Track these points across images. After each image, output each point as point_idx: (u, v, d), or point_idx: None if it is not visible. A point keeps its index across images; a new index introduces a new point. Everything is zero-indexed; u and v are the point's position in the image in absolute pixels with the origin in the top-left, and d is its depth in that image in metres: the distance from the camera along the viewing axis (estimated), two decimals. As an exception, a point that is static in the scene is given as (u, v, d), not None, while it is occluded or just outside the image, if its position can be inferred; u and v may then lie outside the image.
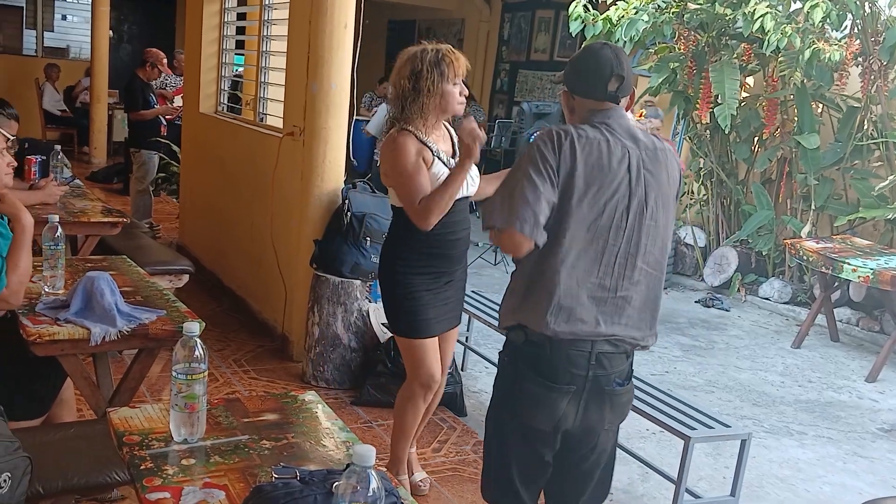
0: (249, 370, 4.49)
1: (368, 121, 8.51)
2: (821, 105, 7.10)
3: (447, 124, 3.03)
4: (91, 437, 2.45)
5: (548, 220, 2.05)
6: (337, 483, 1.43)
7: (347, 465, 1.40)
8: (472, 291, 4.73)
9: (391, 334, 4.20)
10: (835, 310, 6.41)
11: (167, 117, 7.48)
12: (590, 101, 2.17)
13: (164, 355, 3.65)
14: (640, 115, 6.35)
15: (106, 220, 4.40)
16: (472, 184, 2.95)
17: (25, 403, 2.64)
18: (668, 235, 2.20)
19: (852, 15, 6.34)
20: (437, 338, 3.03)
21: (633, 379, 2.27)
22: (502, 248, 2.12)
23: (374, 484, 1.34)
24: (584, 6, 6.94)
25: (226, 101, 6.51)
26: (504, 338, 2.29)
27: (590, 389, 2.14)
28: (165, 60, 7.42)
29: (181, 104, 7.34)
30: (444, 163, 2.87)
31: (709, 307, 6.95)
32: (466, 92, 2.96)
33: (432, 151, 2.85)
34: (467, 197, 2.97)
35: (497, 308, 4.48)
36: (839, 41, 6.49)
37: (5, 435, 1.94)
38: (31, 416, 2.69)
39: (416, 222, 2.81)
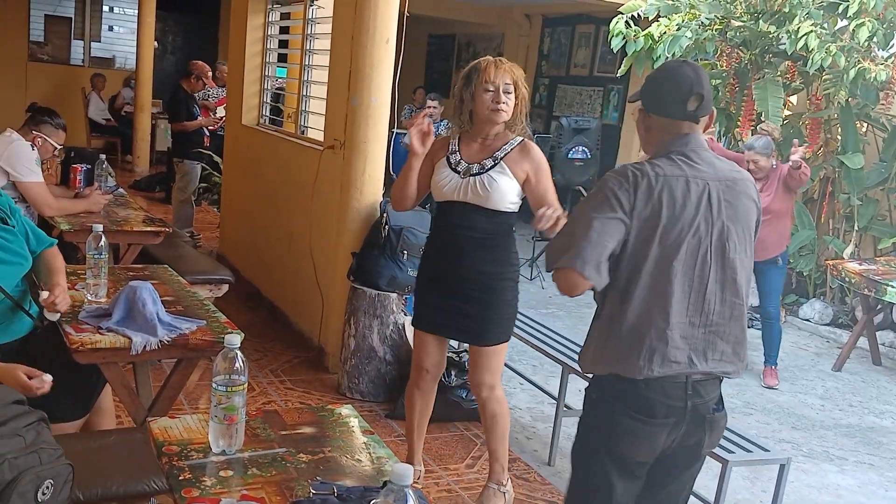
0: (286, 380, 4.52)
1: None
2: (865, 124, 6.99)
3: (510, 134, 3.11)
4: (130, 446, 2.49)
5: (623, 263, 2.02)
6: (374, 501, 1.43)
7: (384, 483, 1.41)
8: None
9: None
10: (877, 333, 6.29)
11: (210, 128, 7.60)
12: (667, 120, 2.12)
13: (202, 364, 3.70)
14: (710, 138, 6.10)
15: (148, 229, 4.47)
16: (479, 191, 3.02)
17: (67, 405, 2.68)
18: (751, 266, 2.15)
19: (899, 34, 6.24)
20: (430, 334, 3.23)
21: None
22: (559, 287, 2.06)
23: (411, 503, 1.34)
24: (626, 22, 6.91)
25: (268, 114, 6.58)
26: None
27: (690, 419, 2.09)
28: (210, 73, 7.54)
29: (224, 115, 7.44)
30: (452, 167, 3.09)
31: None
32: (502, 99, 2.98)
33: (448, 157, 3.11)
34: (469, 204, 3.04)
35: (530, 321, 4.50)
36: (885, 60, 6.39)
37: (49, 442, 1.97)
38: (72, 418, 2.73)
39: None
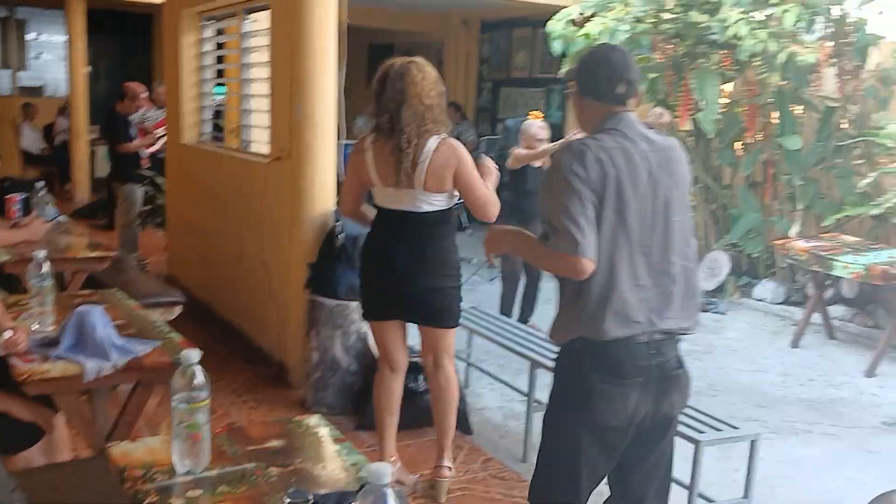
0: (248, 399, 4.42)
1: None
2: (800, 107, 7.15)
3: None
4: (89, 475, 2.39)
5: None
6: (352, 503, 1.39)
7: (362, 486, 1.36)
8: (471, 307, 4.70)
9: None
10: (829, 307, 6.41)
11: (150, 150, 7.44)
12: (600, 103, 2.24)
13: (161, 389, 3.59)
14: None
15: (93, 255, 4.35)
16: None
17: (18, 432, 2.57)
18: (690, 228, 2.29)
19: (823, 18, 6.42)
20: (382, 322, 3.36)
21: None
22: (568, 274, 2.13)
23: (391, 502, 1.30)
24: (566, 23, 6.96)
25: (209, 131, 6.47)
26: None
27: (657, 378, 2.19)
28: (144, 94, 7.38)
29: (164, 136, 7.30)
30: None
31: (704, 311, 6.93)
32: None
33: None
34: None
35: (494, 320, 4.48)
36: (812, 44, 6.55)
37: (1, 475, 1.88)
38: (24, 447, 2.62)
39: None
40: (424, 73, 3.09)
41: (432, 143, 3.08)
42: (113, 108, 7.33)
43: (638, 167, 2.15)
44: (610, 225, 2.12)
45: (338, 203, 3.52)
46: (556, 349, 2.31)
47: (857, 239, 6.41)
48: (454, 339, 3.42)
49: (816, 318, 6.31)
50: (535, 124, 5.62)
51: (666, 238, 2.19)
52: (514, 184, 5.60)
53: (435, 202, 3.14)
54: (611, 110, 2.22)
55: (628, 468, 2.30)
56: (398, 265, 3.18)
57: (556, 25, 6.95)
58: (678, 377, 2.26)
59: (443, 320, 3.29)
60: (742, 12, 6.22)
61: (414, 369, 4.05)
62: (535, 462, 2.39)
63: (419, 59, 3.14)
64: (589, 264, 2.09)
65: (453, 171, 3.09)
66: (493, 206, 3.19)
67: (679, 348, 2.29)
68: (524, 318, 5.72)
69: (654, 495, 2.35)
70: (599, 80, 2.23)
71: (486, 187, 3.19)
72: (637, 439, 2.24)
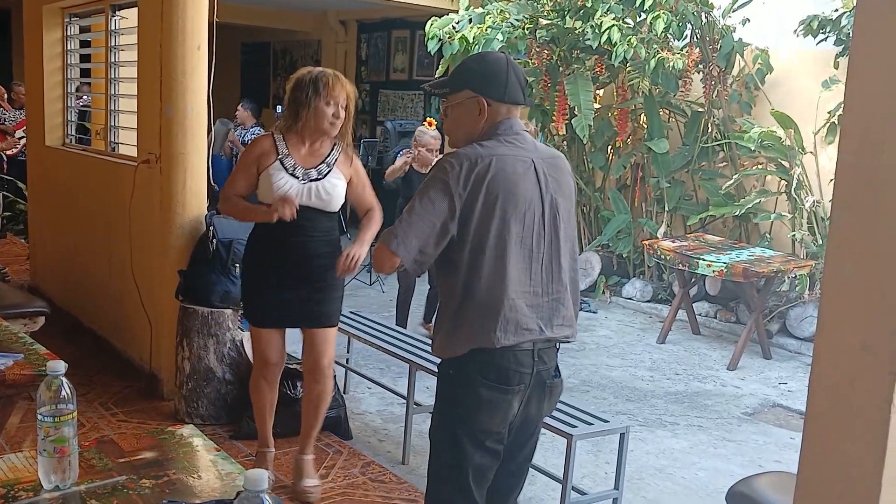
0: (118, 412, 4.25)
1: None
2: (668, 112, 7.49)
3: (338, 142, 3.30)
4: (-55, 497, 2.25)
5: (466, 243, 2.12)
6: (229, 513, 1.37)
7: (238, 493, 1.34)
8: (351, 312, 4.68)
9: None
10: (694, 304, 6.74)
11: (8, 153, 7.05)
12: (499, 104, 2.22)
13: (23, 405, 3.41)
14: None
15: (-53, 264, 4.09)
16: (322, 196, 3.20)
17: None
18: (575, 236, 2.34)
19: (691, 25, 6.74)
20: (274, 329, 3.35)
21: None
22: (374, 260, 2.19)
23: (268, 509, 1.29)
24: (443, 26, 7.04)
25: (73, 133, 6.19)
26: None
27: (533, 384, 2.22)
28: (4, 95, 6.99)
29: (24, 137, 6.93)
30: (288, 172, 3.16)
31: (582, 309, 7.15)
32: (341, 116, 3.18)
33: (281, 161, 3.17)
34: (311, 208, 3.19)
35: (373, 324, 4.48)
36: (681, 50, 6.88)
37: None
38: None
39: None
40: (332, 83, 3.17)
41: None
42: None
43: (527, 175, 2.17)
44: (490, 233, 2.12)
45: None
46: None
47: (720, 238, 6.78)
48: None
49: (682, 314, 6.63)
50: (429, 133, 5.62)
51: (554, 244, 2.22)
52: (404, 190, 5.62)
53: None
54: (509, 113, 2.23)
55: (501, 468, 2.31)
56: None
57: (433, 26, 7.01)
58: (554, 386, 2.29)
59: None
60: (615, 18, 6.46)
61: (289, 375, 4.01)
62: (418, 469, 2.41)
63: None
64: (392, 259, 2.11)
65: None
66: None
67: (557, 357, 2.32)
68: (429, 318, 5.80)
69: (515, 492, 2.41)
70: (495, 80, 2.20)
71: None
72: (509, 439, 2.27)
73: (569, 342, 2.33)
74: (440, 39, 7.00)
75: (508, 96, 2.22)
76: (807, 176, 6.68)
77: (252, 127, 8.41)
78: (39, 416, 1.73)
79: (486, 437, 2.21)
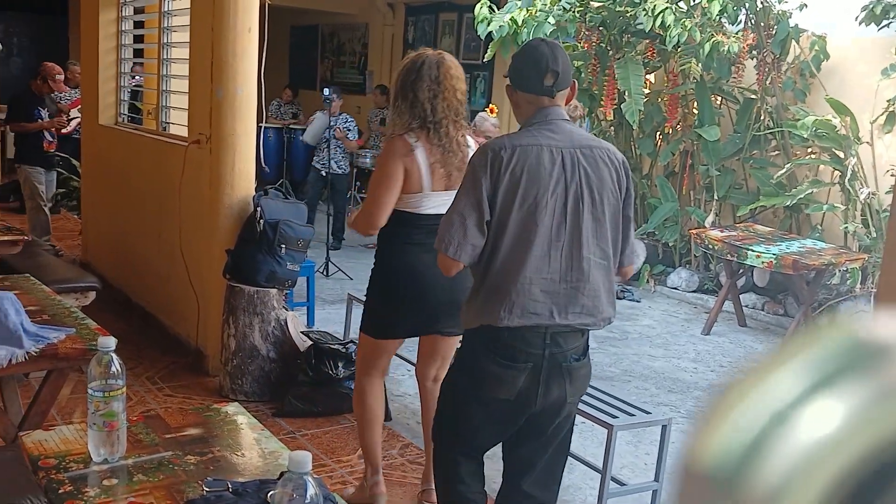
0: (164, 387, 4.34)
1: (278, 128, 8.32)
2: (719, 98, 7.36)
3: None
4: (1, 465, 2.33)
5: (490, 227, 2.22)
6: (272, 492, 1.39)
7: (282, 474, 1.37)
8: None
9: (310, 342, 4.16)
10: (741, 296, 6.64)
11: (63, 131, 7.18)
12: (529, 95, 2.29)
13: (74, 377, 3.51)
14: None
15: (4, 238, 4.20)
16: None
17: None
18: (615, 226, 2.30)
19: (746, 10, 6.61)
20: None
21: (588, 353, 2.40)
22: (441, 268, 2.32)
23: (311, 491, 1.31)
24: (490, 8, 7.00)
25: (126, 112, 6.30)
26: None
27: (548, 367, 2.27)
28: (59, 74, 7.09)
29: (79, 117, 7.06)
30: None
31: (620, 299, 7.09)
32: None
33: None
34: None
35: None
36: (735, 34, 6.74)
37: None
38: None
39: None
40: (457, 65, 2.89)
41: (471, 140, 2.91)
42: (27, 85, 7.06)
43: (549, 165, 2.20)
44: (511, 221, 2.20)
45: (362, 221, 2.89)
46: None
47: (770, 229, 6.66)
48: None
49: (728, 306, 6.54)
50: (490, 120, 5.57)
51: (576, 234, 2.23)
52: None
53: None
54: (540, 103, 2.27)
55: (518, 442, 2.43)
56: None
57: (482, 9, 6.97)
58: (574, 368, 2.31)
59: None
60: (668, 1, 6.36)
61: (332, 355, 4.06)
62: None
63: (447, 53, 2.94)
64: (452, 263, 2.23)
65: None
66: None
67: (584, 340, 2.35)
68: None
69: (544, 470, 2.45)
70: (528, 71, 2.28)
71: None
72: (529, 422, 2.35)
73: (592, 329, 2.35)
74: (489, 22, 6.96)
75: (536, 87, 2.27)
76: (862, 166, 6.52)
77: (341, 114, 8.10)
78: (90, 391, 1.78)
79: (489, 401, 2.33)
